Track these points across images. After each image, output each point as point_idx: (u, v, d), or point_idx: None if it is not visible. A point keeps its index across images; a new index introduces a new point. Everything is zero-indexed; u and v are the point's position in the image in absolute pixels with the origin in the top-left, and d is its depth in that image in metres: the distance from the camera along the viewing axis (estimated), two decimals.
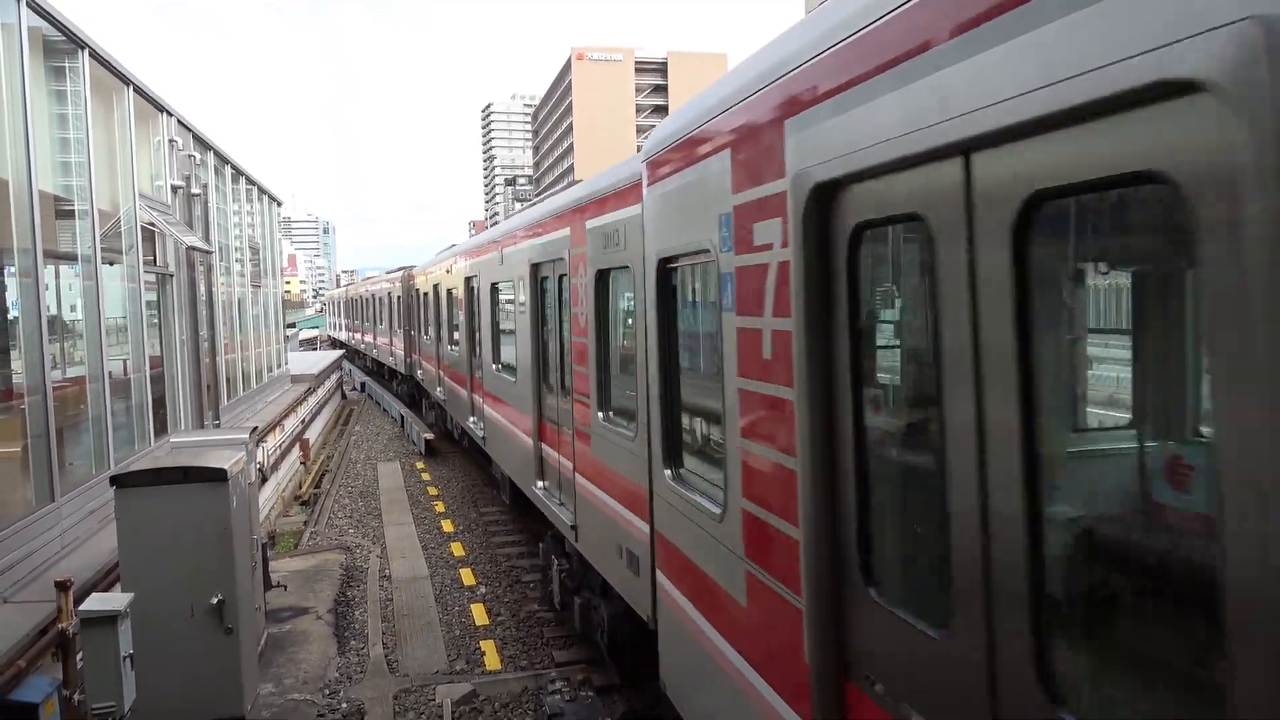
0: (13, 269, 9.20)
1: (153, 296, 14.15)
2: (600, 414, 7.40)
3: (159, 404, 13.62)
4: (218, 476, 7.16)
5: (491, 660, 10.13)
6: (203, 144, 17.97)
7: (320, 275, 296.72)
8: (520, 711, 8.84)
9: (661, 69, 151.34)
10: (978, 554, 2.51)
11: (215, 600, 7.03)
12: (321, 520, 17.40)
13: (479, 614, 11.60)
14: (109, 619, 6.21)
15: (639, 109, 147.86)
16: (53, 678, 6.70)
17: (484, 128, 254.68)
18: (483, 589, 12.62)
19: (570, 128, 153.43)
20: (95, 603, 6.41)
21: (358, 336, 46.38)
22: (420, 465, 22.41)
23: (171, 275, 14.77)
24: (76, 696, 6.70)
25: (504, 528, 15.70)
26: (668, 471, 5.52)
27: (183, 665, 6.98)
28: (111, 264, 12.09)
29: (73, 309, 11.31)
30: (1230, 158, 1.71)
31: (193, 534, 7.05)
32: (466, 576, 13.15)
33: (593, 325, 7.39)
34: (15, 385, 9.33)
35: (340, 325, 59.47)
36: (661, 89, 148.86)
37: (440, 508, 17.70)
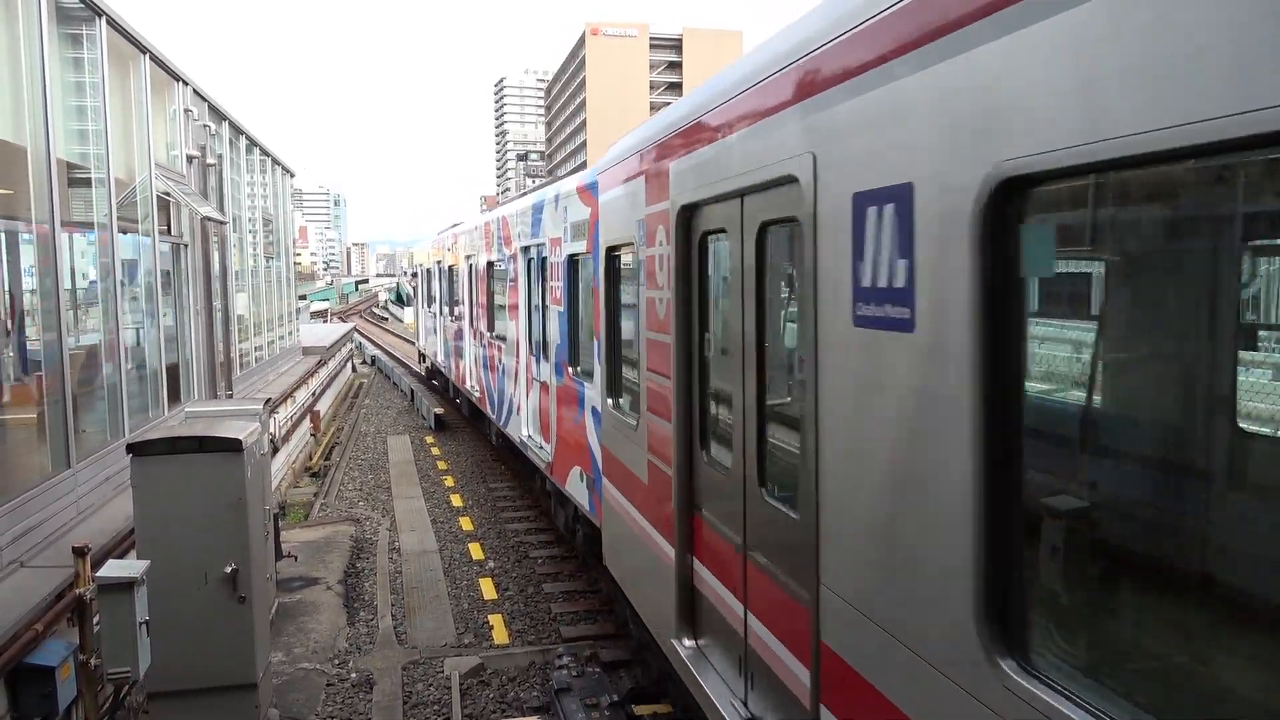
0: (30, 236, 9.22)
1: (167, 266, 14.18)
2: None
3: (172, 373, 13.69)
4: (233, 447, 7.19)
5: (499, 634, 10.22)
6: (218, 114, 17.93)
7: (330, 248, 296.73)
8: (527, 685, 8.92)
9: (676, 45, 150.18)
10: (735, 439, 4.91)
11: (229, 569, 7.08)
12: (331, 492, 17.52)
13: (487, 588, 11.69)
14: (126, 585, 6.26)
15: (653, 86, 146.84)
16: (69, 642, 6.79)
17: (497, 102, 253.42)
18: (491, 563, 12.71)
19: (584, 104, 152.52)
20: (112, 569, 6.46)
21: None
22: (430, 439, 22.51)
23: (186, 245, 14.79)
24: (92, 661, 6.79)
25: (513, 503, 15.78)
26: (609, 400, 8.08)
27: (196, 632, 7.05)
28: (126, 233, 12.11)
29: (85, 277, 11.34)
30: (806, 210, 3.80)
31: (208, 503, 7.09)
32: (475, 551, 13.25)
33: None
34: (31, 352, 9.39)
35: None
36: (676, 65, 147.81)
37: (449, 482, 17.79)
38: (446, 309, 23.16)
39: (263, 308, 22.91)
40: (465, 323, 19.46)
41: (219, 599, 7.10)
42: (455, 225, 23.96)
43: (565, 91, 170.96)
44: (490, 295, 16.24)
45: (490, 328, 16.30)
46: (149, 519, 7.06)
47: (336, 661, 9.45)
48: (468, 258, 18.81)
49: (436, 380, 29.34)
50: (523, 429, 13.30)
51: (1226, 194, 2.20)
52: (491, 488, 17.06)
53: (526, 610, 10.92)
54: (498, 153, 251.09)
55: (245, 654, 7.27)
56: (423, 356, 31.80)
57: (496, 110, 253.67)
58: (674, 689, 7.38)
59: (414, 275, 36.76)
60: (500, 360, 15.14)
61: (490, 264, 15.96)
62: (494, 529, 14.37)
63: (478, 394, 18.04)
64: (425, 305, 29.83)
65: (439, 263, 24.53)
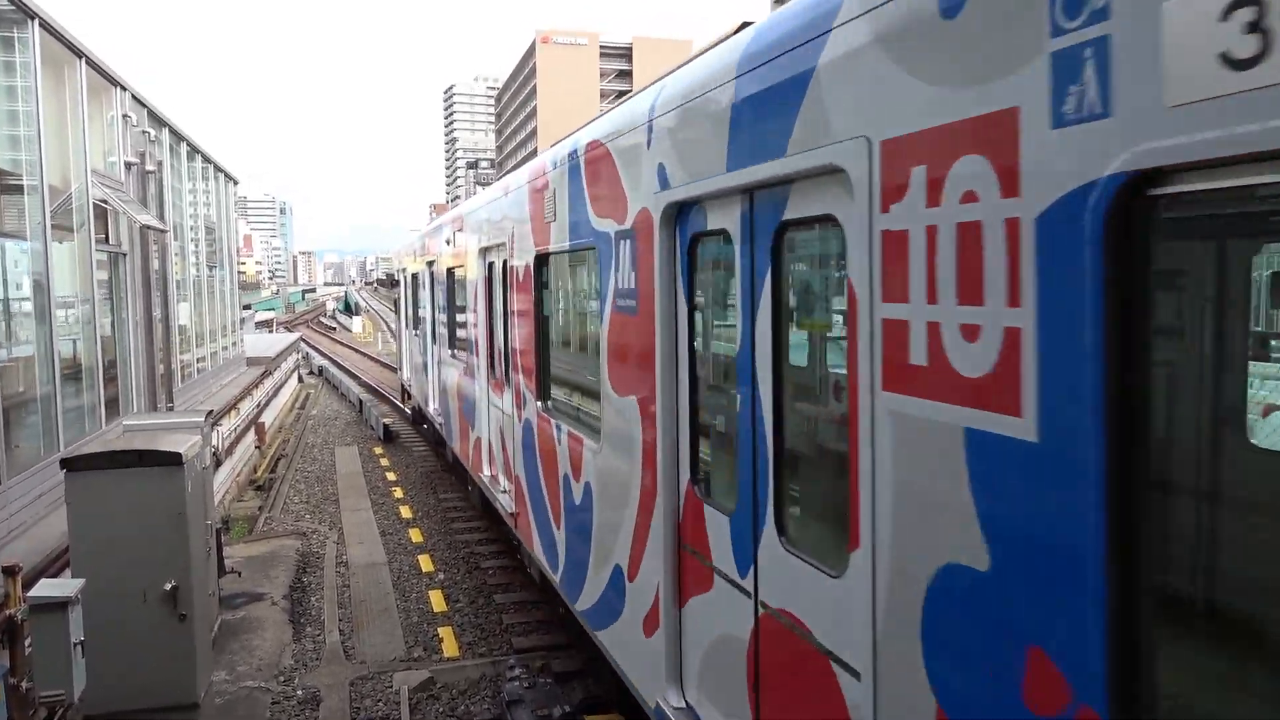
0: None
1: (105, 275, 13.83)
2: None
3: (110, 385, 13.35)
4: (173, 460, 7.04)
5: (450, 647, 10.11)
6: (157, 120, 17.57)
7: (277, 256, 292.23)
8: (479, 698, 8.83)
9: (626, 54, 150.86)
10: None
11: (169, 586, 6.93)
12: (277, 506, 17.19)
13: (437, 600, 11.56)
14: (59, 605, 6.09)
15: (603, 94, 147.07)
16: None
17: (446, 110, 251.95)
18: (441, 575, 12.57)
19: (534, 111, 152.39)
20: (45, 589, 6.28)
21: None
22: (379, 450, 22.22)
23: (125, 254, 14.45)
24: (24, 684, 6.56)
25: (463, 514, 15.64)
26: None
27: (135, 652, 6.88)
28: (62, 242, 11.79)
29: (18, 287, 11.02)
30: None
31: (146, 519, 6.93)
32: (425, 563, 13.09)
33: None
34: None
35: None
36: (626, 74, 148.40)
37: (399, 493, 17.58)
38: (444, 341, 14.73)
39: (205, 318, 22.46)
40: (481, 373, 11.44)
41: (158, 617, 6.94)
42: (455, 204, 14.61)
43: (516, 99, 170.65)
44: (539, 324, 8.39)
45: (543, 395, 8.27)
46: (85, 536, 6.88)
47: (282, 679, 9.26)
48: (484, 252, 10.93)
49: (427, 425, 20.08)
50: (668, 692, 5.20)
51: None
52: (441, 498, 16.89)
53: (477, 622, 10.82)
54: (447, 161, 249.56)
55: (186, 673, 7.12)
56: (407, 394, 23.16)
57: (446, 118, 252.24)
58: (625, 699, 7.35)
59: (395, 283, 27.48)
60: (578, 473, 7.01)
61: (543, 259, 8.16)
62: (444, 540, 14.23)
63: (512, 505, 9.67)
64: (409, 325, 20.89)
65: (430, 264, 16.26)
